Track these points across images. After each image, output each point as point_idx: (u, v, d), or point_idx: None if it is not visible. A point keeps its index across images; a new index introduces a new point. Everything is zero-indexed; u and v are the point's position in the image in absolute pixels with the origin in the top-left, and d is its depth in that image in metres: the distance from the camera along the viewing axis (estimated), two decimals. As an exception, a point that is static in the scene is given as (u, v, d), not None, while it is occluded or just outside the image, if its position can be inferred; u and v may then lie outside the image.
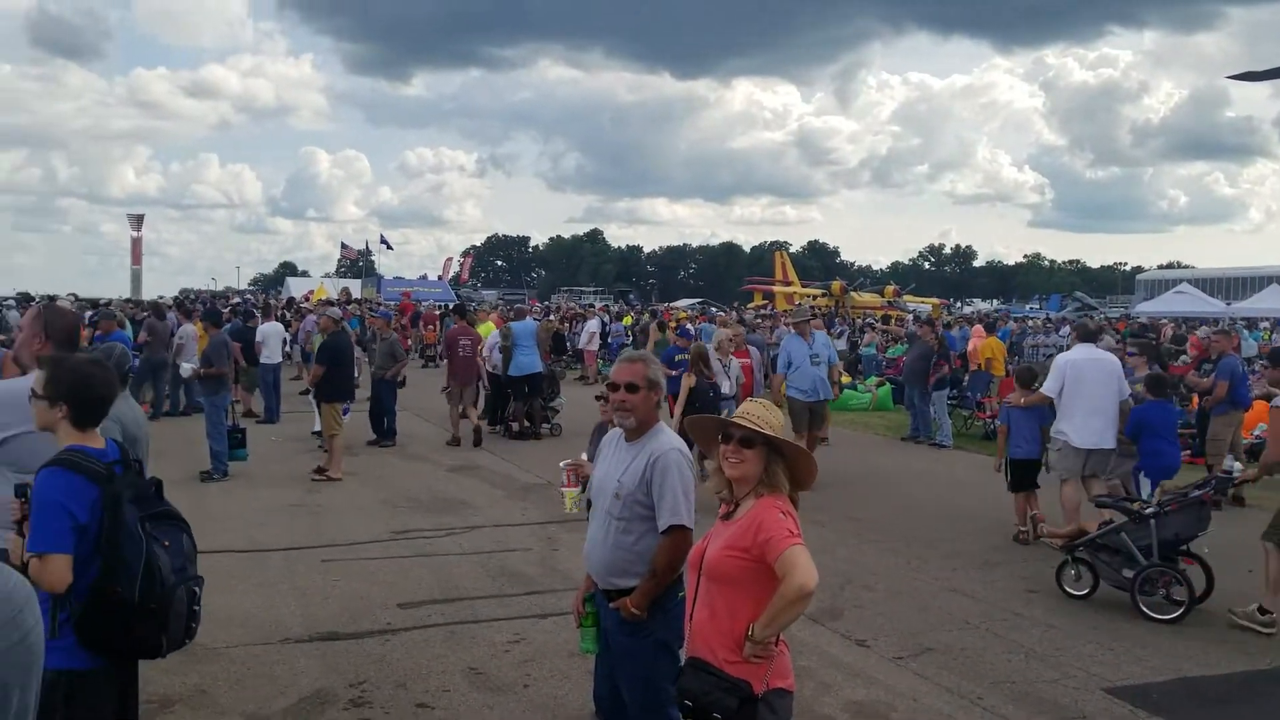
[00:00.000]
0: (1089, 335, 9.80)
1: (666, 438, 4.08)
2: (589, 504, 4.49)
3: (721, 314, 32.79)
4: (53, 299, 29.18)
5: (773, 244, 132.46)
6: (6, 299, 31.64)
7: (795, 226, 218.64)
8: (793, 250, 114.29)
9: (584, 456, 5.06)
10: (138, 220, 68.98)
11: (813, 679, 5.87)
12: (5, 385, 3.90)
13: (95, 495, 3.09)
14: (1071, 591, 7.70)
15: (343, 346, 12.68)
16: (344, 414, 12.70)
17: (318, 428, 13.46)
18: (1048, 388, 9.21)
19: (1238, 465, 7.78)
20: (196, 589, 3.34)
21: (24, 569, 2.85)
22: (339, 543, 8.84)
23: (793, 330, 12.83)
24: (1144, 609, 7.21)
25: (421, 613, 6.95)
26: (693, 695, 3.34)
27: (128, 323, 19.41)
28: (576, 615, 4.27)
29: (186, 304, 25.10)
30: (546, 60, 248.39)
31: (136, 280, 65.26)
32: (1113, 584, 7.50)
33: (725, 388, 11.44)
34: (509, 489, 11.41)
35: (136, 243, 67.23)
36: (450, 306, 29.62)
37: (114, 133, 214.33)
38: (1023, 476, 9.40)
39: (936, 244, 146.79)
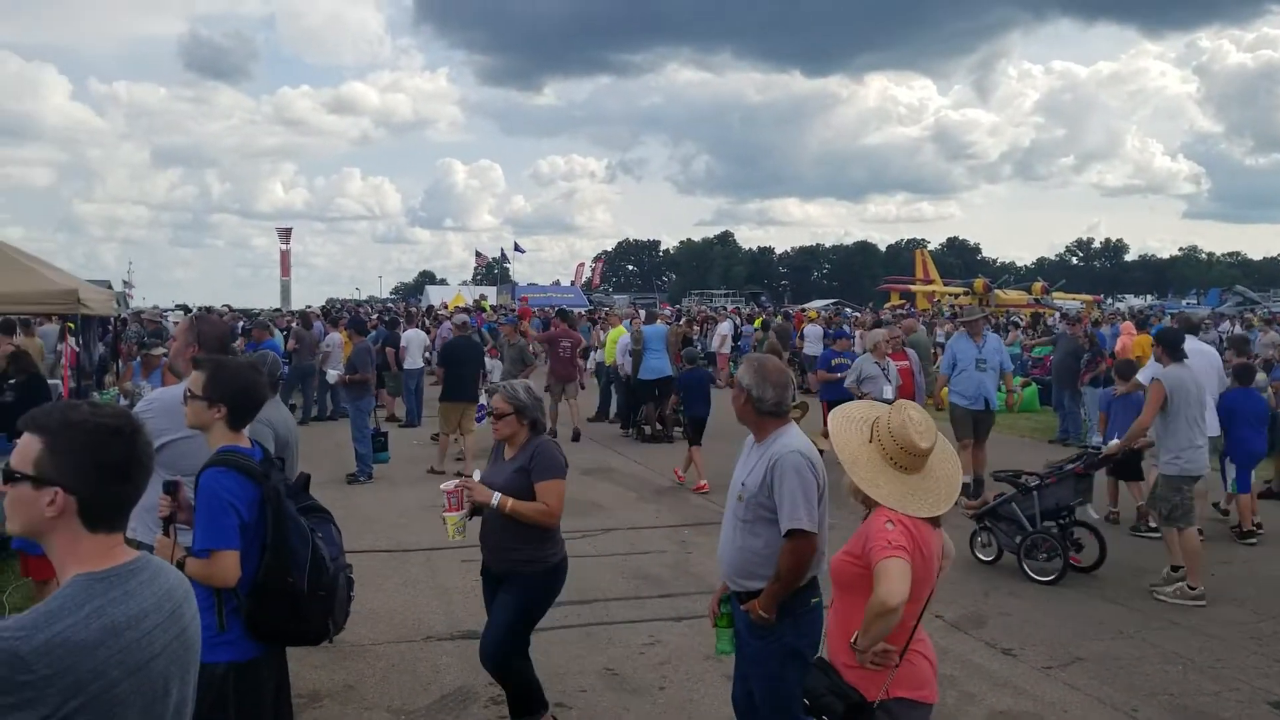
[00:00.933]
0: (1190, 328, 10.21)
1: (788, 440, 4.01)
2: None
3: (857, 314, 32.27)
4: (208, 310, 30.77)
5: (909, 242, 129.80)
6: (167, 311, 33.47)
7: (933, 223, 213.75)
8: (931, 247, 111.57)
9: (476, 475, 4.96)
10: (286, 233, 71.87)
11: (956, 688, 5.69)
12: (165, 394, 4.11)
13: (256, 493, 3.21)
14: (981, 557, 8.46)
15: (460, 349, 13.02)
16: (479, 419, 13.04)
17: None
18: (1143, 376, 9.37)
19: (1114, 443, 8.51)
20: (350, 576, 3.48)
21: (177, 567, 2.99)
22: (478, 544, 8.99)
23: (963, 330, 11.63)
24: (1029, 571, 7.97)
25: (558, 613, 6.97)
26: (810, 695, 3.36)
27: (277, 331, 20.33)
28: (712, 616, 4.26)
29: (332, 313, 26.13)
30: (675, 64, 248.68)
31: (286, 291, 67.87)
32: (1008, 549, 8.25)
33: (888, 392, 10.69)
34: (641, 492, 11.46)
35: (285, 255, 70.03)
36: (557, 310, 29.88)
37: (262, 150, 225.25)
38: (1119, 463, 9.34)
39: (1085, 238, 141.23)
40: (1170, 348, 7.95)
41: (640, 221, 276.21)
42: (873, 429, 3.42)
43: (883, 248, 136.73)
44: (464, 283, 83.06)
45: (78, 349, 10.46)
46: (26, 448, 1.87)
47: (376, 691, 5.64)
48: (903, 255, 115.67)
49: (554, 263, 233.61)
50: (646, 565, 8.26)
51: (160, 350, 11.70)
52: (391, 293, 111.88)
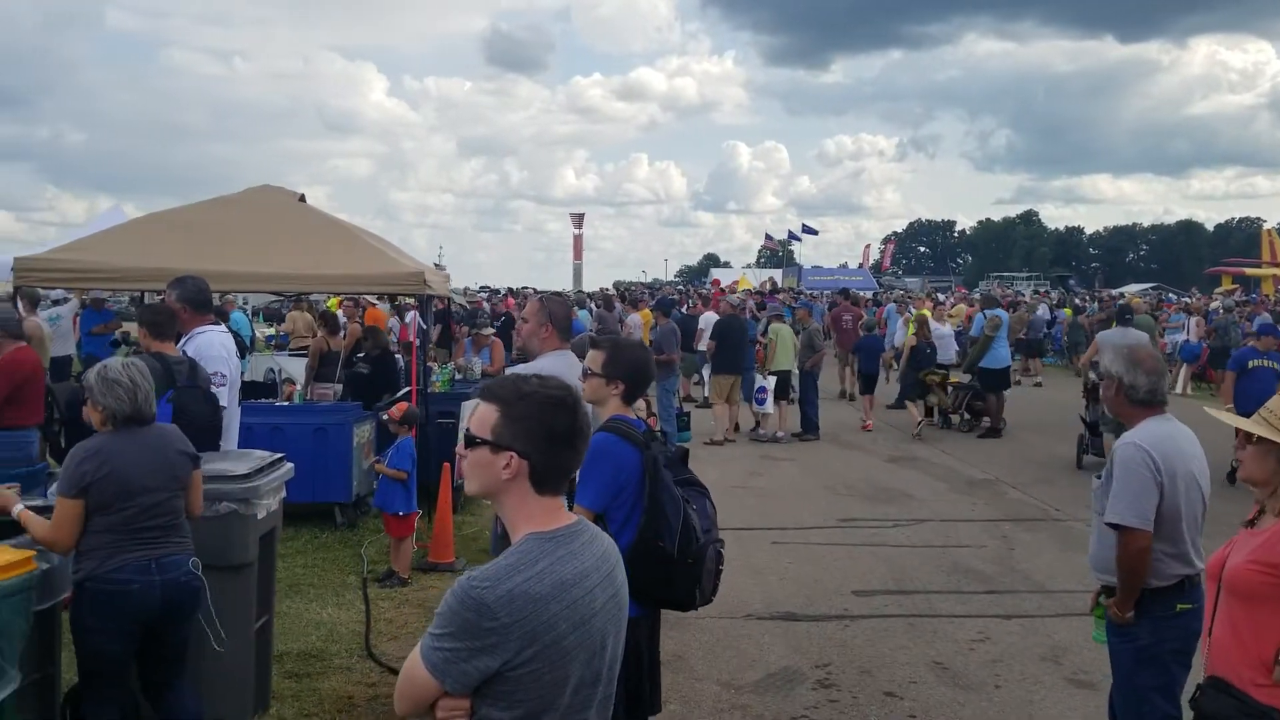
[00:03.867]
0: None
1: (1136, 431, 3.75)
2: None
3: (1186, 300, 29.62)
4: (513, 291, 32.64)
5: (1242, 221, 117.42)
6: (475, 292, 35.66)
7: (1270, 200, 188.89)
8: (1270, 225, 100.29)
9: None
10: (578, 218, 74.62)
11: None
12: (539, 366, 4.37)
13: (639, 459, 3.40)
14: None
15: (730, 326, 13.98)
16: (760, 402, 13.66)
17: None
18: None
19: None
20: (721, 550, 3.58)
21: None
22: (787, 526, 9.06)
23: None
24: None
25: (877, 601, 6.92)
26: (1211, 719, 3.04)
27: (582, 311, 21.27)
28: (1092, 603, 4.05)
29: (630, 294, 27.06)
30: (973, 34, 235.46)
31: (577, 274, 70.49)
32: None
33: None
34: (953, 482, 11.07)
35: (577, 239, 72.73)
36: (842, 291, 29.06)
37: (556, 138, 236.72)
38: None
39: None
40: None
41: (933, 201, 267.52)
42: None
43: (1210, 227, 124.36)
44: (748, 266, 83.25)
45: (422, 325, 11.39)
46: (485, 415, 2.05)
47: (705, 663, 5.78)
48: (1234, 235, 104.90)
49: (839, 245, 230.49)
50: (966, 559, 7.96)
51: (489, 330, 12.58)
52: (676, 275, 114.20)
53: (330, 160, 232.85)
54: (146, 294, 10.34)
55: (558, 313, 4.82)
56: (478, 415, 2.06)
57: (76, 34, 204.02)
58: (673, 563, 3.37)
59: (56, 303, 14.82)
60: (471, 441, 2.05)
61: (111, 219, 13.03)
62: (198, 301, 5.81)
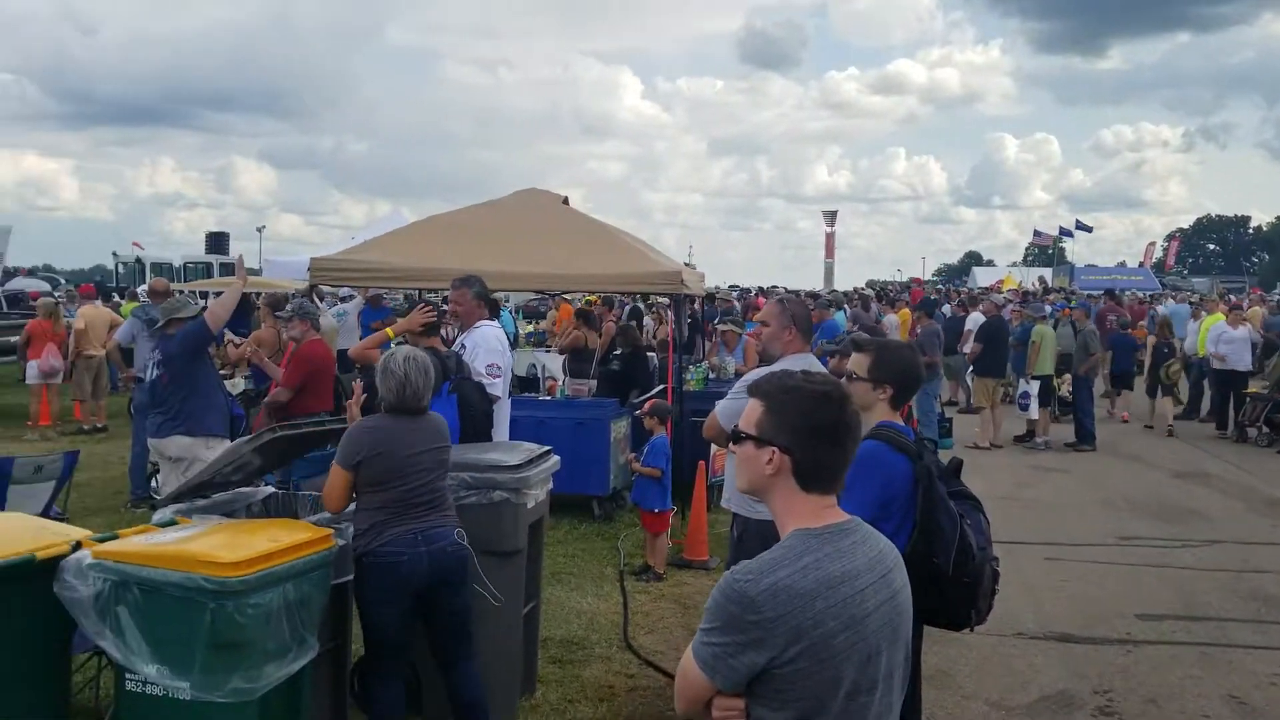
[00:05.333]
0: None
1: None
2: None
3: None
4: (763, 291, 32.46)
5: None
6: (726, 291, 35.51)
7: None
8: None
9: None
10: (831, 216, 73.11)
11: None
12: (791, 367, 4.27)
13: (910, 470, 3.23)
14: None
15: (994, 328, 13.96)
16: (1024, 406, 13.34)
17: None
18: None
19: None
20: (997, 568, 3.37)
21: None
22: (1061, 541, 8.50)
23: None
24: None
25: (1164, 627, 6.37)
26: None
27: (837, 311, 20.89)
28: None
29: (888, 294, 26.42)
30: (1270, 13, 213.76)
31: (829, 272, 68.86)
32: None
33: None
34: (1250, 501, 10.06)
35: (829, 237, 71.17)
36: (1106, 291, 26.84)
37: (808, 135, 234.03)
38: None
39: None
40: None
41: (1224, 195, 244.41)
42: None
43: None
44: (1014, 264, 79.12)
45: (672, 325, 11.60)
46: (751, 411, 2.03)
47: (972, 681, 5.48)
48: None
49: (1116, 242, 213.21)
50: (1266, 586, 7.19)
51: (731, 326, 12.57)
52: (934, 274, 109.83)
53: (586, 163, 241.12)
54: (422, 292, 11.05)
55: (799, 314, 4.61)
56: (745, 411, 2.05)
57: (360, 51, 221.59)
58: (947, 581, 3.18)
59: (343, 299, 16.09)
60: (738, 437, 2.04)
61: (392, 222, 14.06)
62: (486, 297, 6.19)
